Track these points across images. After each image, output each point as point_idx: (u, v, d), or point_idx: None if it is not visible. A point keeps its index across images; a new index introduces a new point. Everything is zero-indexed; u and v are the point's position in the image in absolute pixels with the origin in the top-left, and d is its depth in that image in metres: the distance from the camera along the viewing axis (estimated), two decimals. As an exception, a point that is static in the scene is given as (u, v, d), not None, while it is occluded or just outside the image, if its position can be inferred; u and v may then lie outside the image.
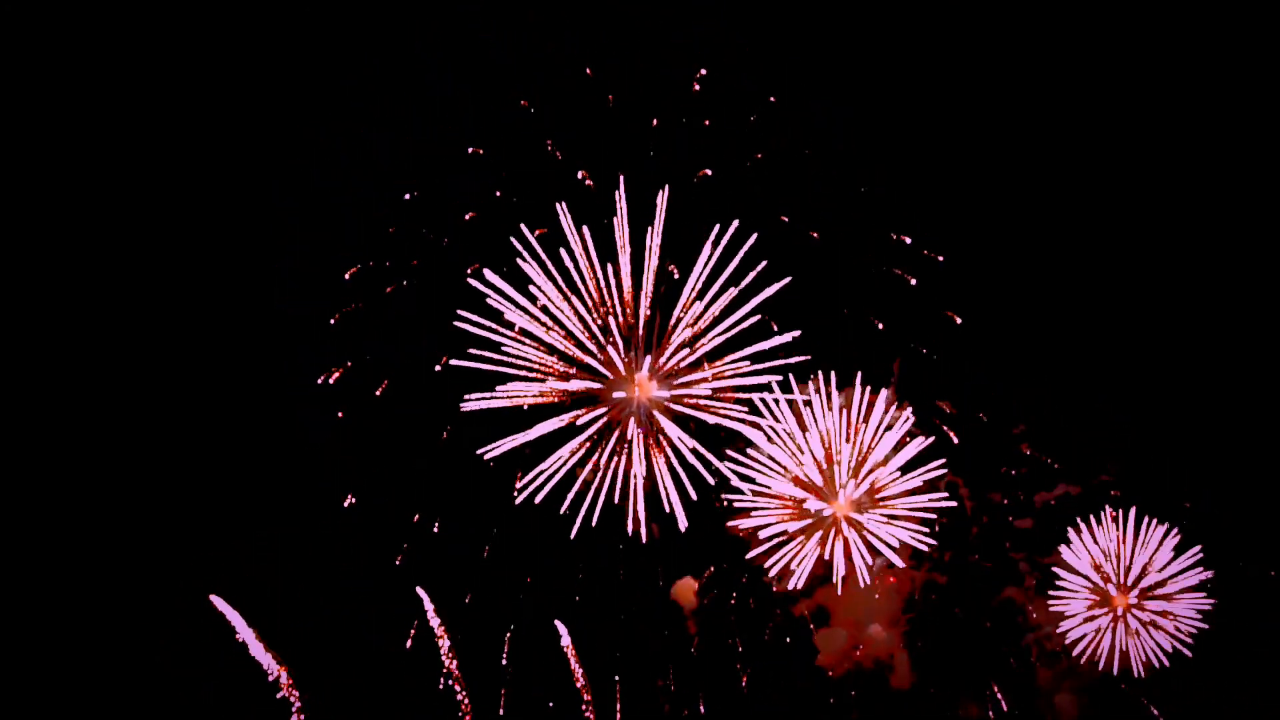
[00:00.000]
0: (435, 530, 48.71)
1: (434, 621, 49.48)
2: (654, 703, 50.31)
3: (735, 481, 47.84)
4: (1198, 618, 52.43)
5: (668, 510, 45.91)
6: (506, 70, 50.18)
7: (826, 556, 48.80)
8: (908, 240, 49.59)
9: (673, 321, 44.99)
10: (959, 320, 49.62)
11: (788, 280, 44.85)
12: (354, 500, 48.86)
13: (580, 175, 46.74)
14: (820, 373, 47.70)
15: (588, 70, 49.03)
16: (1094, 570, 52.47)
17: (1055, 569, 53.02)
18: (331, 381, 48.27)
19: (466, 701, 49.32)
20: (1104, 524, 52.94)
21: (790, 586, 49.35)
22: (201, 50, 50.65)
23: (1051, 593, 52.72)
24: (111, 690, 48.25)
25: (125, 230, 50.20)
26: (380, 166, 50.03)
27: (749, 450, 48.02)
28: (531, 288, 44.00)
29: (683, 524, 46.17)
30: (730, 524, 49.39)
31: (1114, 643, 52.20)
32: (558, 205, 43.49)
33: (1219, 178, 51.57)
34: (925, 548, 48.80)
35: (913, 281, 49.52)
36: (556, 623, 49.82)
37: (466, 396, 44.75)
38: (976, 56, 52.08)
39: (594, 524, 45.64)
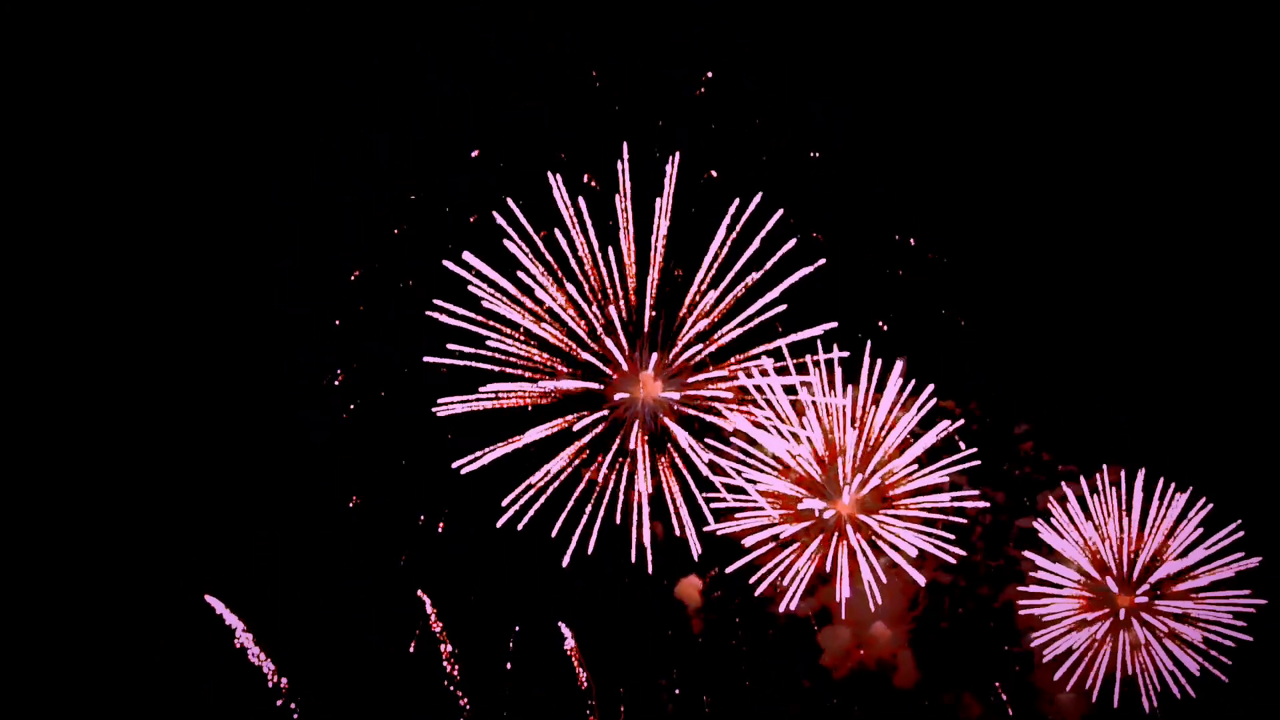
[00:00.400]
0: (439, 530, 48.70)
1: (436, 624, 49.35)
2: (658, 702, 50.17)
3: (717, 477, 43.34)
4: (1237, 625, 38.69)
5: (678, 534, 43.65)
6: (506, 70, 50.18)
7: (828, 568, 43.45)
8: (911, 241, 49.67)
9: (683, 311, 41.95)
10: (962, 322, 49.68)
11: (821, 262, 41.08)
12: (356, 501, 48.84)
13: (585, 178, 46.35)
14: (820, 349, 42.19)
15: (593, 72, 48.95)
16: (1087, 556, 40.87)
17: (1029, 554, 42.04)
18: (336, 384, 48.23)
19: (468, 705, 49.24)
20: (1101, 491, 40.42)
21: (783, 608, 44.75)
22: (201, 50, 50.58)
23: (1021, 588, 42.22)
24: (112, 691, 48.12)
25: (125, 230, 50.11)
26: (380, 166, 50.04)
27: (733, 439, 43.28)
28: (520, 273, 41.67)
29: (696, 550, 43.70)
30: (709, 529, 44.33)
31: (1115, 659, 40.91)
32: (550, 176, 41.41)
33: (1219, 178, 51.62)
34: (951, 559, 40.52)
35: (915, 282, 49.50)
36: (560, 624, 49.73)
37: (440, 400, 43.06)
38: (977, 56, 52.14)
39: (590, 550, 43.56)
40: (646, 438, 43.34)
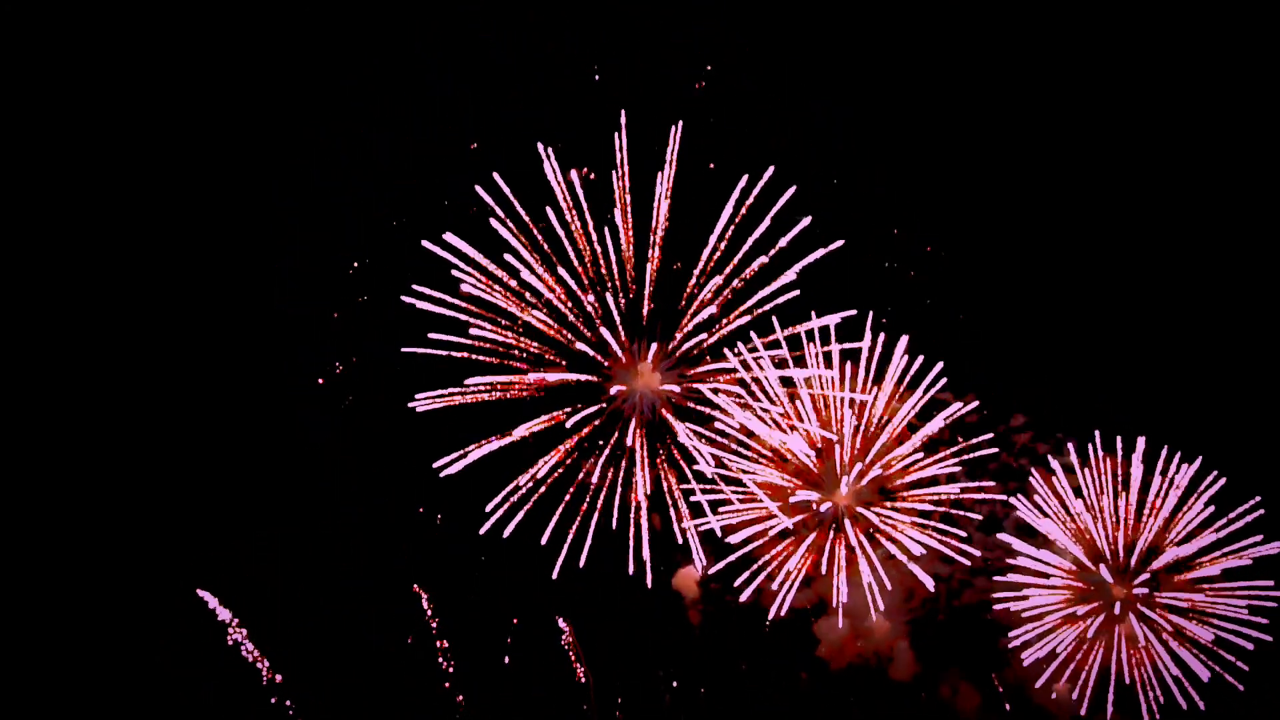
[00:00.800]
0: (437, 522, 48.62)
1: (433, 621, 49.22)
2: (655, 694, 49.88)
3: (717, 470, 40.86)
4: (1255, 622, 31.06)
5: (680, 542, 42.52)
6: (506, 70, 50.34)
7: (824, 568, 40.57)
8: (909, 239, 49.69)
9: (682, 302, 40.17)
10: (961, 316, 49.58)
11: (839, 244, 38.70)
12: (354, 499, 48.85)
13: (585, 172, 46.09)
14: (819, 340, 38.82)
15: (594, 67, 49.02)
16: (1077, 541, 34.48)
17: (1005, 537, 36.01)
18: (336, 374, 48.25)
19: (463, 701, 49.05)
20: (1093, 464, 33.57)
21: (773, 613, 42.39)
22: (201, 50, 50.81)
23: (998, 579, 36.31)
24: (111, 691, 48.04)
25: (126, 230, 50.26)
26: (380, 166, 50.19)
27: (735, 433, 40.42)
28: (510, 257, 40.40)
29: (700, 564, 42.49)
30: (708, 525, 41.61)
31: (1110, 659, 35.08)
32: (540, 146, 40.37)
33: (1220, 176, 51.55)
34: (966, 560, 35.29)
35: (912, 273, 49.45)
36: (558, 619, 49.55)
37: (419, 395, 42.22)
38: (976, 56, 52.22)
39: (586, 552, 42.59)
40: (644, 433, 42.11)
